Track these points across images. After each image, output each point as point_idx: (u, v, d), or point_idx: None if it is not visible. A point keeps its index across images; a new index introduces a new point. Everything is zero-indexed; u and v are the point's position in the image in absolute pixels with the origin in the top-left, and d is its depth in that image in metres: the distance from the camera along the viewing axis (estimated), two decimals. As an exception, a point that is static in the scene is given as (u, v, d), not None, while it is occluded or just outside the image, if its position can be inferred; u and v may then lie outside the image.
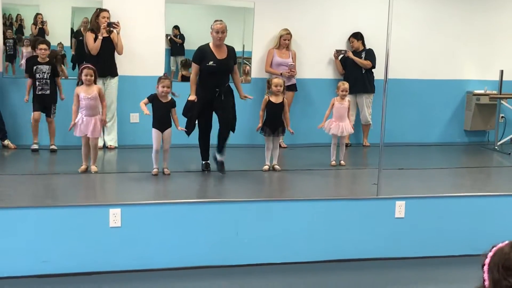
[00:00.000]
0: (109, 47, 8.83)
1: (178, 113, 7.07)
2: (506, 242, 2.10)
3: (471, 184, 7.32)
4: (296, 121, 9.22)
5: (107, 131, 9.03)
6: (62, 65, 9.76)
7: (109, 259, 5.29)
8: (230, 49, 7.37)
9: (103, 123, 7.26)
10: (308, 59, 9.60)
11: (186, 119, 7.19)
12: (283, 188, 6.83)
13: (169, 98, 7.02)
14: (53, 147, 8.41)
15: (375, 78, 9.57)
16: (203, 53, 7.21)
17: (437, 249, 6.05)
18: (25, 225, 5.24)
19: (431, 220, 6.15)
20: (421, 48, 10.01)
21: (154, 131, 6.97)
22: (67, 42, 10.56)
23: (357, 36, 9.74)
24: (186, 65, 10.65)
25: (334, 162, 7.91)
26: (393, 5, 6.05)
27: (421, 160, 8.67)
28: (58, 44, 10.32)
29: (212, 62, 7.11)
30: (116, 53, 8.93)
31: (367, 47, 9.69)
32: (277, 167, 7.42)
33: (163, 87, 6.94)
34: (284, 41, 9.35)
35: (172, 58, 10.99)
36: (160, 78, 7.07)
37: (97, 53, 8.75)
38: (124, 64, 8.97)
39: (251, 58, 9.94)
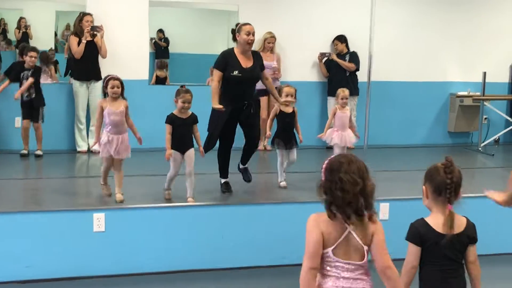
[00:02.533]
0: (93, 51, 8.82)
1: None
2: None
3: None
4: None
5: (91, 135, 9.01)
6: (53, 67, 9.76)
7: (93, 263, 5.27)
8: (256, 55, 6.59)
9: (140, 141, 6.17)
10: (293, 62, 9.61)
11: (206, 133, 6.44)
12: (268, 191, 6.82)
13: (190, 113, 6.11)
14: (38, 152, 8.37)
15: (359, 80, 9.59)
16: (227, 59, 6.39)
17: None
18: (8, 230, 5.21)
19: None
20: (405, 51, 10.05)
21: (173, 153, 6.00)
22: (51, 46, 10.56)
23: (341, 38, 9.77)
24: (161, 66, 10.62)
25: None
26: (375, 8, 6.09)
27: (405, 162, 8.70)
28: (50, 49, 10.30)
29: (236, 72, 6.30)
30: (100, 57, 8.92)
31: (351, 49, 9.72)
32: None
33: (183, 102, 6.01)
34: (268, 44, 9.36)
35: (157, 61, 11.00)
36: (179, 92, 6.11)
37: (80, 57, 8.75)
38: (108, 67, 8.92)
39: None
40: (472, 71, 10.14)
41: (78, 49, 8.73)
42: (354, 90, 9.62)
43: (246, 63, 6.40)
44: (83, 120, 8.99)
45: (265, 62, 9.32)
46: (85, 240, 5.26)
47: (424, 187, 3.32)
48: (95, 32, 8.72)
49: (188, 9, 11.29)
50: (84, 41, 8.70)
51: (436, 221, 3.25)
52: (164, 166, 7.08)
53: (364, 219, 2.88)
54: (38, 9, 10.57)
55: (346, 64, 9.61)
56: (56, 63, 10.35)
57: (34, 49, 8.56)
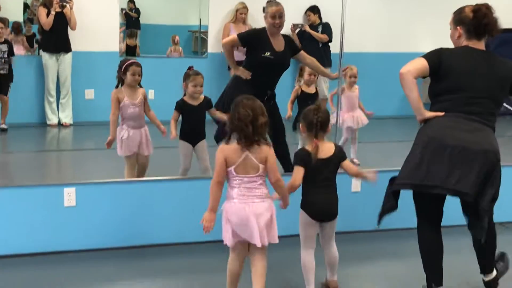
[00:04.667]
0: (62, 22, 8.71)
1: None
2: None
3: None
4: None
5: (62, 108, 8.91)
6: (23, 35, 9.61)
7: (64, 238, 5.21)
8: (288, 40, 6.08)
9: (165, 133, 5.69)
10: (265, 33, 9.55)
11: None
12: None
13: (202, 98, 5.61)
14: (3, 126, 8.26)
15: (332, 52, 9.58)
16: (258, 38, 5.85)
17: (393, 222, 6.06)
18: (-23, 206, 5.14)
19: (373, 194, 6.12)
20: (377, 22, 10.05)
21: (183, 144, 5.66)
22: (19, 17, 10.35)
23: (314, 9, 9.73)
24: (131, 34, 10.46)
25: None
26: (348, -22, 6.04)
27: (377, 133, 8.72)
28: (26, 24, 10.11)
29: (269, 54, 5.80)
30: (69, 29, 8.79)
31: (324, 20, 9.68)
32: None
33: (195, 86, 5.50)
34: (240, 15, 9.30)
35: (126, 30, 10.85)
36: (188, 75, 5.57)
37: (50, 28, 8.61)
38: (77, 39, 8.83)
39: (207, 32, 9.88)
40: (444, 41, 10.10)
41: (47, 21, 8.60)
42: (326, 61, 9.60)
43: (278, 46, 5.91)
44: (53, 92, 8.90)
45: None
46: (55, 215, 5.19)
47: (301, 124, 4.28)
48: (64, 3, 8.59)
49: (159, -21, 11.15)
50: (53, 13, 8.58)
51: (311, 150, 4.20)
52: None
53: (255, 145, 3.83)
54: (5, -21, 10.35)
55: (318, 35, 9.58)
56: (33, 36, 10.14)
57: (0, 20, 8.43)
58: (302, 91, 6.59)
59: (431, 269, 4.27)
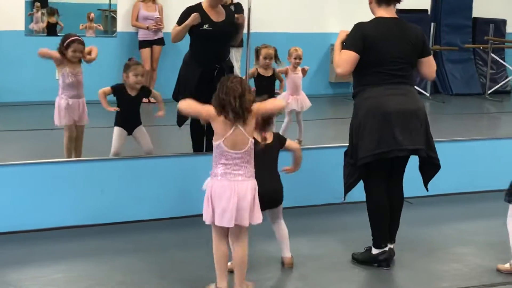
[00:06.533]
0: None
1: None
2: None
3: (335, 135, 7.56)
4: (165, 75, 9.17)
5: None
6: None
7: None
8: (229, 11, 6.04)
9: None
10: (175, 12, 9.34)
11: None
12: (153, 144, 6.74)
13: (139, 88, 5.63)
14: None
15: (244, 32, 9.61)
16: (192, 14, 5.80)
17: (307, 199, 6.15)
18: None
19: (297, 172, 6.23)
20: (287, 2, 10.13)
21: (119, 130, 5.66)
22: None
23: (225, -11, 9.72)
24: (51, 13, 10.19)
25: None
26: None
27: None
28: None
29: (207, 26, 5.76)
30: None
31: (236, 0, 9.70)
32: None
33: (136, 75, 5.50)
34: (149, -7, 9.23)
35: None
36: (129, 65, 5.57)
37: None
38: (-19, 18, 8.56)
39: (116, 11, 9.76)
40: (352, 22, 10.32)
41: None
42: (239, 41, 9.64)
43: (217, 17, 5.87)
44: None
45: (147, 13, 9.31)
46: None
47: None
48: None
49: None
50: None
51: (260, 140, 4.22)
52: (40, 120, 6.87)
53: (243, 118, 3.78)
54: None
55: (230, 15, 9.59)
56: None
57: None
58: (258, 73, 6.68)
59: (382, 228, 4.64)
